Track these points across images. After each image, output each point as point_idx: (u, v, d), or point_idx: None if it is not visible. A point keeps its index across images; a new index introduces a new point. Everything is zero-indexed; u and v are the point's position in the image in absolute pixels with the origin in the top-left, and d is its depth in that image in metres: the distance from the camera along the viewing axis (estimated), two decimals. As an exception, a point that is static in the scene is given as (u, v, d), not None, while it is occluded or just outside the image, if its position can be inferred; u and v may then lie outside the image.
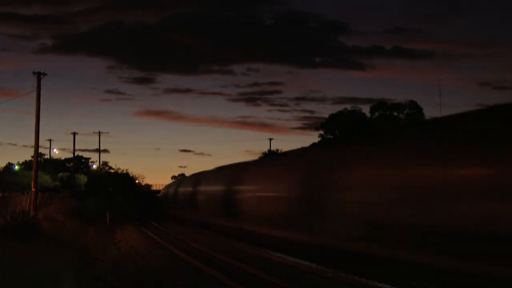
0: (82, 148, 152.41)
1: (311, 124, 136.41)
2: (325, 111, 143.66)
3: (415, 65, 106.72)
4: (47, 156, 79.93)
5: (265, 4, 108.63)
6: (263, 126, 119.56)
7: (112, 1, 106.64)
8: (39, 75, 33.64)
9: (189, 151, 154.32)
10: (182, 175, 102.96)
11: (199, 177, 43.48)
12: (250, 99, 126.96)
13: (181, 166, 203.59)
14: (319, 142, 53.36)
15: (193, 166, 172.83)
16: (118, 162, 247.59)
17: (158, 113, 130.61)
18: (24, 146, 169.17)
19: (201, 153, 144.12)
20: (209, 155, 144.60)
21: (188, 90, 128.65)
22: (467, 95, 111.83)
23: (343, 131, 51.43)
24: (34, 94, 33.39)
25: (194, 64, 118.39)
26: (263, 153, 65.77)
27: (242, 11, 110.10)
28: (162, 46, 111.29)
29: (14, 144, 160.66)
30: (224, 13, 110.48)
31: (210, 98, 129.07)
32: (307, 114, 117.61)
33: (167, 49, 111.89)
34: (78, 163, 77.25)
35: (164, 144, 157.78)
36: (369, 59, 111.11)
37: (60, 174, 64.81)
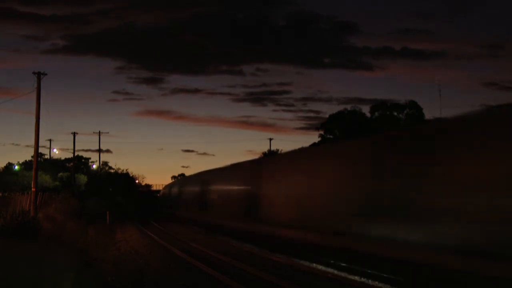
0: (85, 148, 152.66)
1: (315, 124, 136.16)
2: (331, 111, 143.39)
3: (424, 66, 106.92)
4: (47, 156, 80.00)
5: (276, 5, 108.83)
6: (266, 126, 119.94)
7: (124, 3, 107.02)
8: (39, 75, 33.66)
9: (192, 151, 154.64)
10: (182, 175, 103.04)
11: (194, 178, 43.63)
12: (258, 99, 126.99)
13: (183, 166, 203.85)
14: (319, 142, 53.35)
15: (196, 166, 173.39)
16: (121, 162, 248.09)
17: (163, 113, 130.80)
18: (27, 146, 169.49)
19: (204, 153, 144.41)
20: (213, 155, 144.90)
21: (196, 90, 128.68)
22: (473, 95, 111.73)
23: (343, 131, 51.42)
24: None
25: (203, 64, 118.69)
26: (263, 153, 65.89)
27: (253, 12, 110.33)
28: (172, 47, 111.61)
29: (17, 144, 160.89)
30: (234, 14, 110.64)
31: (217, 98, 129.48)
32: (312, 114, 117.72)
33: (177, 50, 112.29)
34: (78, 163, 77.28)
35: (167, 144, 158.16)
36: (377, 60, 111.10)
37: (60, 174, 64.82)
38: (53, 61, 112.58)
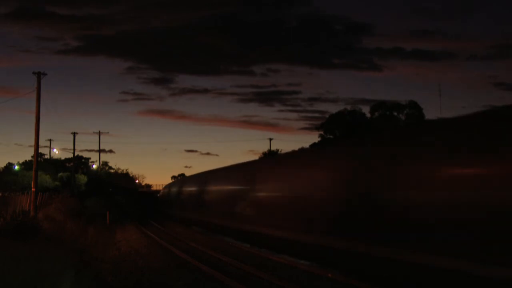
0: (88, 148, 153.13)
1: (318, 124, 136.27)
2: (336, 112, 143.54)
3: (433, 66, 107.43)
4: (47, 156, 79.95)
5: (288, 6, 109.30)
6: (270, 126, 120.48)
7: (135, 5, 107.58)
8: (39, 75, 33.62)
9: (195, 151, 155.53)
10: (182, 175, 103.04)
11: (191, 179, 43.44)
12: (265, 99, 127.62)
13: (186, 166, 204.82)
14: (319, 142, 53.33)
15: (199, 166, 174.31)
16: (123, 162, 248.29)
17: (168, 114, 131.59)
18: (30, 146, 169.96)
19: (208, 153, 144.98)
20: (216, 155, 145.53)
21: (206, 91, 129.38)
22: (481, 95, 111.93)
23: (343, 131, 51.40)
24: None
25: (214, 65, 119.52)
26: (263, 153, 65.88)
27: (265, 13, 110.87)
28: (184, 47, 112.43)
29: (20, 145, 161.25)
30: (246, 15, 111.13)
31: (227, 98, 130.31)
32: (317, 115, 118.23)
33: (188, 50, 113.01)
34: (78, 163, 77.25)
35: (170, 144, 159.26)
36: (387, 60, 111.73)
37: (60, 174, 64.79)
38: (64, 61, 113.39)
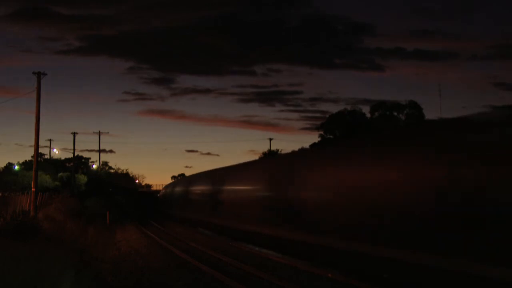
0: (89, 148, 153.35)
1: (319, 124, 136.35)
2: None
3: (434, 66, 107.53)
4: (47, 156, 79.93)
5: (289, 6, 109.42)
6: (271, 126, 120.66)
7: (137, 5, 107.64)
8: (38, 75, 33.59)
9: (195, 151, 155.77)
10: (182, 175, 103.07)
11: (192, 179, 43.36)
12: (267, 99, 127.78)
13: (187, 166, 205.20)
14: (319, 142, 53.32)
15: (199, 166, 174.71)
16: (124, 162, 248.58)
17: (168, 114, 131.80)
18: (31, 146, 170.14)
19: (208, 153, 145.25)
20: (217, 155, 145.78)
21: (207, 91, 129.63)
22: (482, 95, 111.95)
23: (343, 131, 51.39)
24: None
25: (215, 65, 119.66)
26: (263, 153, 65.86)
27: (266, 13, 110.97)
28: (185, 48, 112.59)
29: (21, 145, 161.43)
30: (247, 15, 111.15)
31: (228, 98, 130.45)
32: (318, 115, 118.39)
33: (189, 50, 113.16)
34: (78, 163, 77.23)
35: (171, 144, 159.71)
36: (388, 61, 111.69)
37: (60, 174, 64.77)
38: (64, 61, 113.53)
